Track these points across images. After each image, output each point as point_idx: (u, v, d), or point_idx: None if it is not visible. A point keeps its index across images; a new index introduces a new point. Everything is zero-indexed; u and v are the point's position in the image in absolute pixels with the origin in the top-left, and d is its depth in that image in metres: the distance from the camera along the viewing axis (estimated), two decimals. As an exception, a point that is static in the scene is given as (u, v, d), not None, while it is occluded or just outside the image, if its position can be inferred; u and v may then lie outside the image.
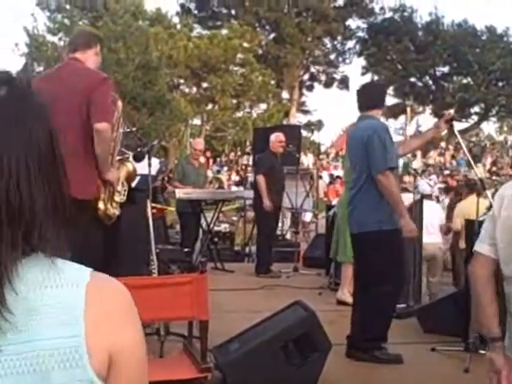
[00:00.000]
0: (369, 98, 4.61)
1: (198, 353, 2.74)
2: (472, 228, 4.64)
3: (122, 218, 3.89)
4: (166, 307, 2.56)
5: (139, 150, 3.97)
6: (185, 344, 2.98)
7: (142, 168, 4.14)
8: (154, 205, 11.67)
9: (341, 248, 6.43)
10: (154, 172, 4.32)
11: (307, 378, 3.60)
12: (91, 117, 3.54)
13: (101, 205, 3.65)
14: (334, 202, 8.52)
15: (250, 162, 17.55)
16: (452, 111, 4.64)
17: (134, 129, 4.54)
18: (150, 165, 4.06)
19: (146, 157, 4.05)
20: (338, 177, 15.19)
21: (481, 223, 4.22)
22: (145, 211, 4.09)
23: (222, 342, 3.82)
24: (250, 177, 13.43)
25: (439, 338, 4.65)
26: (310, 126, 34.80)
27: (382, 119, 4.45)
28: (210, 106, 30.56)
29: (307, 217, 11.86)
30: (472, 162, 4.84)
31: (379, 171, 4.21)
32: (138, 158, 3.90)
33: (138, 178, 4.13)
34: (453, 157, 28.24)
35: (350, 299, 6.23)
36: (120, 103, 3.88)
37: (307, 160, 22.48)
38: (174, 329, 3.90)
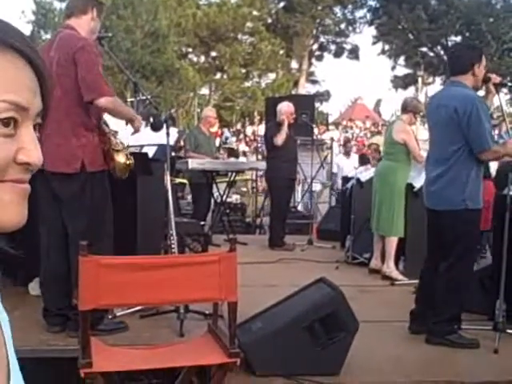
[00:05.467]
0: (458, 61, 4.18)
1: (224, 335, 2.57)
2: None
3: (138, 190, 3.72)
4: (191, 288, 2.39)
5: (157, 118, 3.77)
6: (210, 325, 2.81)
7: (159, 138, 3.95)
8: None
9: (385, 221, 6.24)
10: (172, 142, 4.11)
11: (333, 358, 3.44)
12: (86, 95, 3.40)
13: (122, 158, 3.46)
14: (351, 174, 8.29)
15: (260, 132, 17.32)
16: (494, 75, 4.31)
17: (150, 96, 4.29)
18: (168, 134, 3.86)
19: (164, 126, 3.85)
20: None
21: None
22: (163, 183, 3.92)
23: (241, 317, 3.68)
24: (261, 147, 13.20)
25: (465, 316, 4.49)
26: (318, 97, 34.45)
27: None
28: (218, 76, 30.23)
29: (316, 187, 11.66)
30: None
31: (482, 151, 3.96)
32: (155, 127, 3.70)
33: (155, 148, 3.94)
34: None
35: (394, 274, 6.11)
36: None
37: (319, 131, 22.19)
38: (192, 306, 3.76)
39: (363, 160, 11.25)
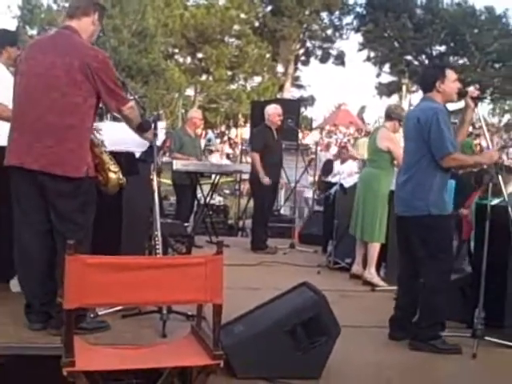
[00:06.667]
0: (423, 81, 4.52)
1: (207, 337, 2.58)
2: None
3: (124, 190, 3.74)
4: (177, 289, 2.40)
5: (145, 119, 3.76)
6: (193, 327, 2.82)
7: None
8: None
9: (368, 227, 6.29)
10: (159, 143, 4.11)
11: (314, 362, 3.46)
12: (113, 103, 3.51)
13: (115, 176, 3.52)
14: (334, 179, 8.36)
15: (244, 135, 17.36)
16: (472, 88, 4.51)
17: (137, 96, 4.28)
18: (155, 135, 3.87)
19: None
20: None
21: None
22: (149, 183, 3.92)
23: (222, 320, 3.69)
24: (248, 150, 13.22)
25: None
26: (302, 101, 34.59)
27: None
28: (203, 77, 30.23)
29: (307, 193, 11.75)
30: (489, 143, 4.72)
31: (443, 157, 4.14)
32: (143, 128, 3.70)
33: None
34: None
35: (375, 279, 6.17)
36: None
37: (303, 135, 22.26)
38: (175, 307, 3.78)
39: (327, 168, 11.51)
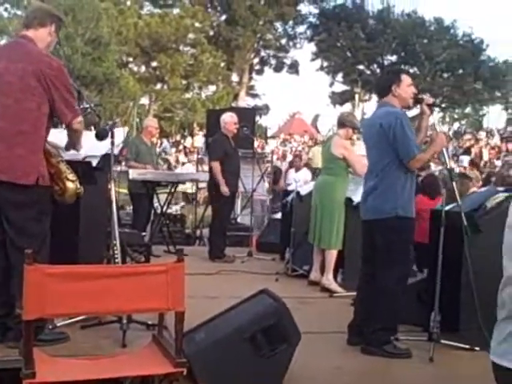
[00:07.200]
0: (379, 86, 4.63)
1: (169, 345, 2.57)
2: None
3: (81, 199, 3.70)
4: (139, 298, 2.39)
5: (100, 127, 3.74)
6: (154, 335, 2.81)
7: (104, 146, 3.92)
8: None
9: (326, 234, 6.32)
10: (116, 151, 4.09)
11: (275, 370, 3.47)
12: (67, 114, 3.47)
13: (73, 185, 3.48)
14: (291, 187, 8.42)
15: (200, 145, 17.27)
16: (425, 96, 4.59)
17: (93, 105, 4.25)
18: (112, 143, 3.84)
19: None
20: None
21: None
22: (106, 192, 3.89)
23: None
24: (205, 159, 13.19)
25: (401, 328, 4.61)
26: (257, 110, 34.76)
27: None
28: (158, 86, 30.12)
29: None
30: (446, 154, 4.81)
31: (409, 160, 4.20)
32: (101, 137, 3.68)
33: (99, 158, 3.91)
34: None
35: (333, 286, 6.21)
36: None
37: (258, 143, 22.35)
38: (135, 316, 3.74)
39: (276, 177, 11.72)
